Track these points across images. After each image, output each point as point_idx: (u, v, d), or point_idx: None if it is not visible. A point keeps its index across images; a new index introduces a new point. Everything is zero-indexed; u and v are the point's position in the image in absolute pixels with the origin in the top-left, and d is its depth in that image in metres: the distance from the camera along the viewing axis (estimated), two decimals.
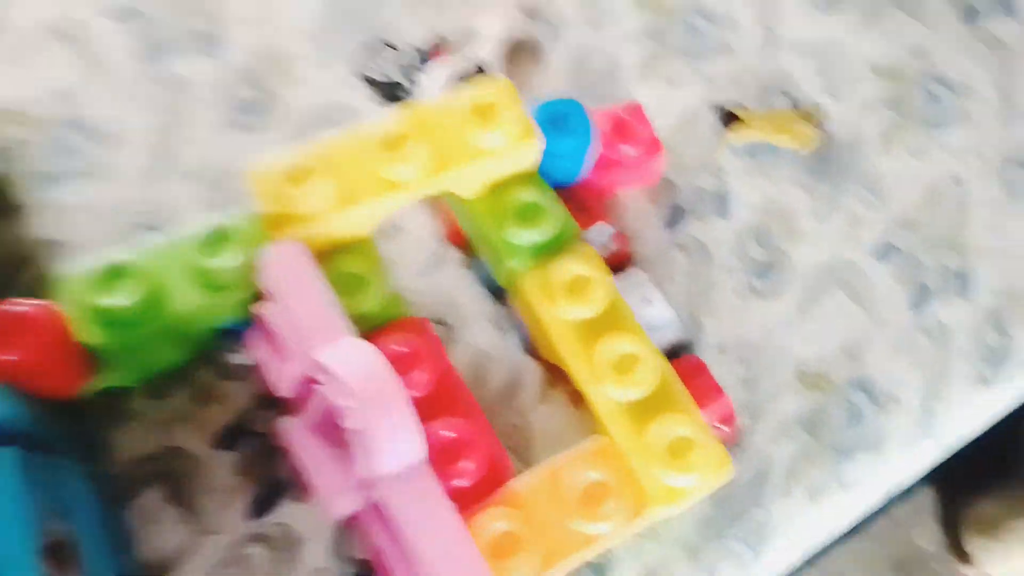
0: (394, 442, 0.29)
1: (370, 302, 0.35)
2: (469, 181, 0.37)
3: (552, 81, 0.48)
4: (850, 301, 0.45)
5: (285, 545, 0.36)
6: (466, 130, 0.36)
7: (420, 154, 0.35)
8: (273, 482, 0.37)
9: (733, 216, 0.46)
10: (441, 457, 0.32)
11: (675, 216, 0.46)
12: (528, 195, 0.38)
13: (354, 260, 0.36)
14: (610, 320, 0.36)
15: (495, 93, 0.37)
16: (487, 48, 0.47)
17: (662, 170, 0.46)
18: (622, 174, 0.44)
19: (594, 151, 0.41)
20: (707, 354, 0.42)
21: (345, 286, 0.35)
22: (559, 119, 0.40)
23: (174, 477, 0.36)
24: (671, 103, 0.48)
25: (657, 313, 0.40)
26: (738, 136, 0.47)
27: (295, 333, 0.32)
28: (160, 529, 0.35)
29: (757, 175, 0.47)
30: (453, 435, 0.33)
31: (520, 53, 0.48)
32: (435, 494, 0.31)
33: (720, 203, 0.46)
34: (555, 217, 0.38)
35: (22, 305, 0.32)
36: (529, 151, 0.38)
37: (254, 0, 0.48)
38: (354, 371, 0.29)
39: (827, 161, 0.48)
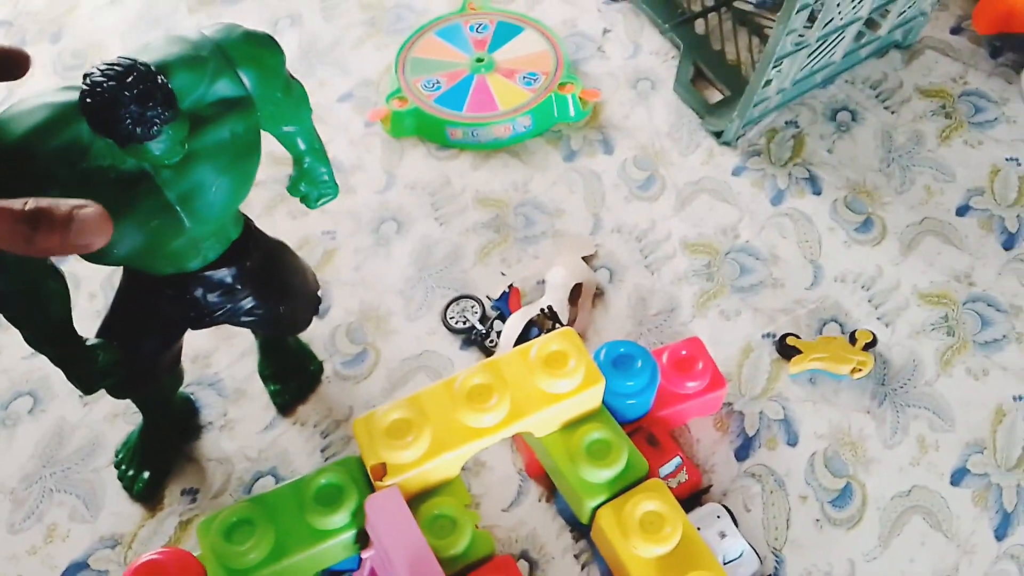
0: None
1: (460, 543, 0.38)
2: (544, 423, 0.41)
3: (615, 321, 0.53)
4: (932, 530, 0.45)
5: None
6: (538, 378, 0.40)
7: (501, 403, 0.39)
8: None
9: (802, 443, 0.48)
10: None
11: (745, 446, 0.48)
12: (598, 433, 0.41)
13: (445, 502, 0.39)
14: (686, 556, 0.38)
15: (562, 341, 0.41)
16: (556, 296, 0.52)
17: (725, 400, 0.49)
18: (688, 406, 0.47)
19: (658, 388, 0.45)
20: None
21: (439, 529, 0.38)
22: (624, 360, 0.44)
23: None
24: (728, 335, 0.52)
25: (734, 547, 0.41)
26: (797, 365, 0.50)
27: None
28: None
29: (820, 402, 0.49)
30: None
31: (585, 298, 0.53)
32: None
33: (787, 430, 0.48)
34: (624, 453, 0.41)
35: (162, 553, 0.36)
36: (595, 393, 0.41)
37: (354, 266, 0.55)
38: None
39: (887, 386, 0.50)
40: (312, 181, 0.40)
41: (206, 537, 0.37)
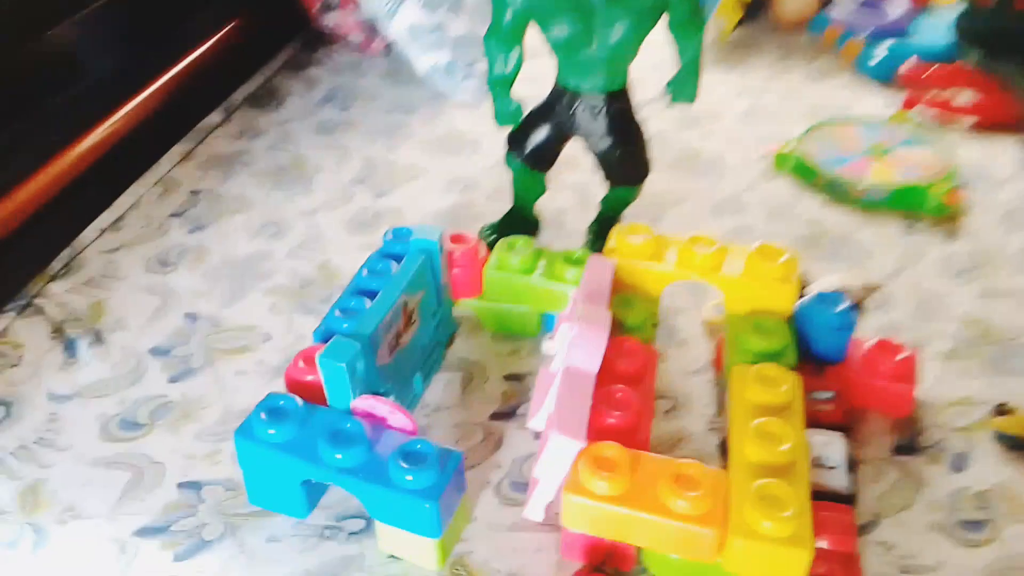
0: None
1: (633, 318, 0.52)
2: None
3: None
4: None
5: None
6: None
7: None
8: None
9: (966, 473, 0.49)
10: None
11: (906, 449, 0.51)
12: (771, 323, 0.51)
13: (640, 299, 0.53)
14: (786, 424, 0.45)
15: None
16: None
17: (917, 419, 0.53)
18: (873, 392, 0.52)
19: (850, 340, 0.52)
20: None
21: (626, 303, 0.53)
22: (831, 298, 0.52)
23: None
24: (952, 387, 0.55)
25: (833, 456, 0.46)
26: (1002, 425, 0.51)
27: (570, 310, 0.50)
28: None
29: (1007, 461, 0.50)
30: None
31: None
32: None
33: (958, 462, 0.50)
34: (783, 339, 0.49)
35: None
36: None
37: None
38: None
39: None
40: (679, 84, 0.59)
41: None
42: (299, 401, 0.46)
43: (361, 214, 0.74)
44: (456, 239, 0.59)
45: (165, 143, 0.82)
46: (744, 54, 0.98)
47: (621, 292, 0.54)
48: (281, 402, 0.47)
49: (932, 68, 0.87)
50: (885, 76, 0.90)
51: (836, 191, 0.73)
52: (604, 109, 0.59)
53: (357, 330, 0.48)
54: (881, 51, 0.90)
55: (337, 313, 0.50)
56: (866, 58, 0.92)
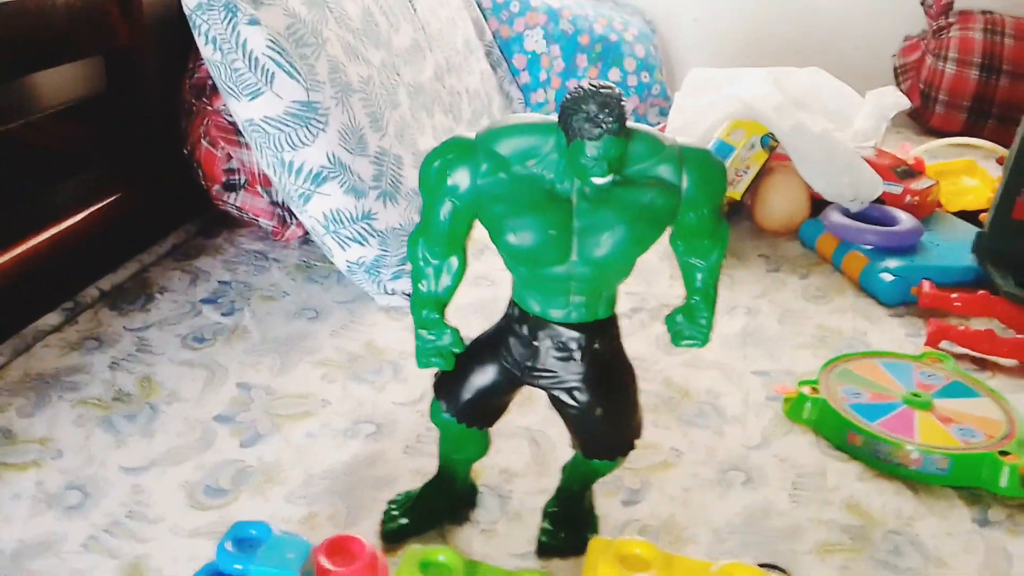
0: None
1: None
2: None
3: None
4: None
5: None
6: None
7: None
8: None
9: None
10: None
11: None
12: None
13: None
14: None
15: None
16: None
17: None
18: None
19: None
20: None
21: None
22: None
23: None
24: None
25: None
26: None
27: None
28: None
29: None
30: None
31: None
32: None
33: None
34: None
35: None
36: None
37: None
38: None
39: None
40: (690, 320, 0.41)
41: (409, 560, 0.36)
42: None
43: (214, 474, 0.52)
44: (336, 547, 0.37)
45: None
46: (728, 264, 0.83)
47: None
48: None
49: (955, 295, 0.72)
50: (899, 299, 0.75)
51: (878, 457, 0.54)
52: (581, 348, 0.41)
53: None
54: (891, 272, 0.76)
55: None
56: (872, 277, 0.77)
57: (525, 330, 0.41)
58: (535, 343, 0.41)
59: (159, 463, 0.52)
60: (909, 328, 0.72)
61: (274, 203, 0.79)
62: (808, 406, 0.58)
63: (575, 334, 0.40)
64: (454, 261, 0.41)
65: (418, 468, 0.52)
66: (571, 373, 0.41)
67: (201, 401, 0.58)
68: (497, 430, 0.46)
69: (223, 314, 0.69)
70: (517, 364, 0.42)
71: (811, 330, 0.71)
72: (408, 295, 0.68)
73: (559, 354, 0.41)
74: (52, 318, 0.66)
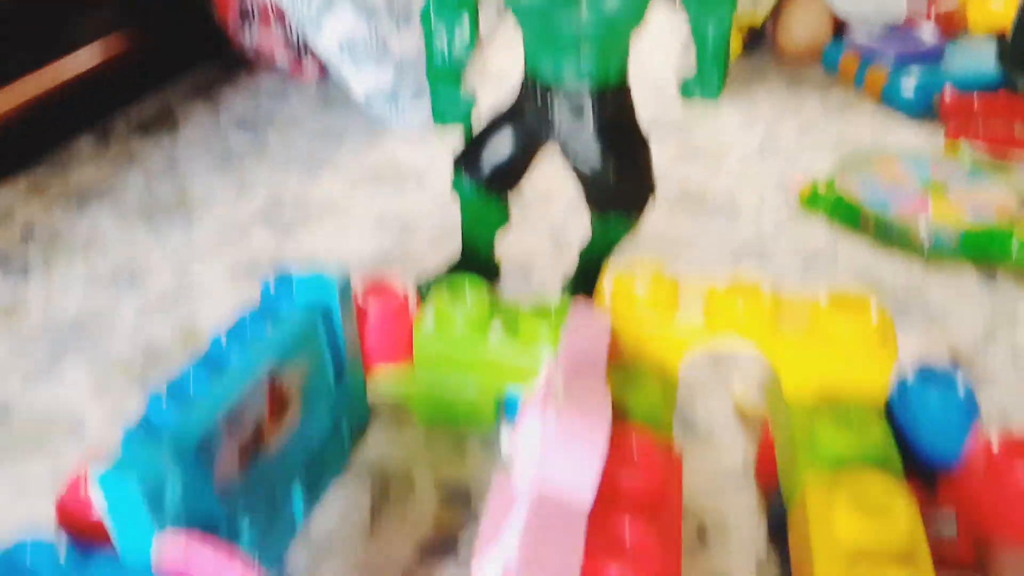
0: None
1: (641, 402, 0.32)
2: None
3: None
4: None
5: None
6: None
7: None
8: None
9: None
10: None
11: None
12: (858, 412, 0.32)
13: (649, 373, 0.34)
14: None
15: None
16: None
17: None
18: (1013, 512, 0.33)
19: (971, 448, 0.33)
20: None
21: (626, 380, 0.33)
22: (940, 379, 0.34)
23: None
24: None
25: None
26: None
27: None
28: None
29: None
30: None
31: None
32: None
33: None
34: (880, 435, 0.31)
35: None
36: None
37: None
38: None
39: None
40: (701, 72, 0.42)
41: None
42: (61, 550, 0.27)
43: (256, 259, 0.55)
44: (374, 289, 0.40)
45: (7, 169, 0.64)
46: (748, 85, 0.82)
47: (620, 362, 0.35)
48: (34, 554, 0.27)
49: (977, 98, 0.72)
50: (920, 109, 0.74)
51: (890, 235, 0.56)
52: (593, 108, 0.42)
53: (179, 427, 0.28)
54: (913, 80, 0.75)
55: (163, 400, 0.30)
56: (895, 89, 0.76)
57: (539, 95, 0.42)
58: (549, 107, 0.42)
59: (201, 255, 0.55)
60: (930, 136, 0.72)
61: (288, 40, 0.80)
62: (825, 197, 0.60)
63: (587, 95, 0.41)
64: (465, 22, 0.41)
65: (447, 259, 0.54)
66: (584, 129, 0.42)
67: (235, 207, 0.61)
68: (517, 221, 0.48)
69: (248, 136, 0.71)
70: (535, 123, 0.43)
71: (830, 140, 0.71)
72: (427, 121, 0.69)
73: (572, 112, 0.42)
74: (86, 140, 0.69)
